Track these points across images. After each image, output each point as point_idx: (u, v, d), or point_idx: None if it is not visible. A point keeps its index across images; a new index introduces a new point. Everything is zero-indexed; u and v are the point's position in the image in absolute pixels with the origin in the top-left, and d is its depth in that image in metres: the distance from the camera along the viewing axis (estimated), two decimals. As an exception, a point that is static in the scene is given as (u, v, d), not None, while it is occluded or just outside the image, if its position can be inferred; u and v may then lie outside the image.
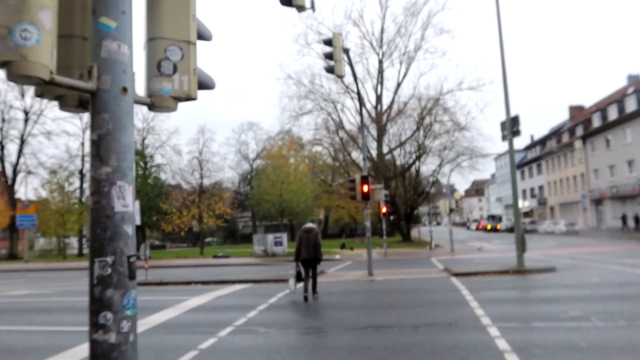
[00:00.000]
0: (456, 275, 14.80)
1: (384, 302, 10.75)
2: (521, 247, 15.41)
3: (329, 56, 13.69)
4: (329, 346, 7.02)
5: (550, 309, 8.87)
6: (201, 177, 47.78)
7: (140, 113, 52.38)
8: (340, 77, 14.23)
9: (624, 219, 39.84)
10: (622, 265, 16.05)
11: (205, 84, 3.00)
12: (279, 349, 7.05)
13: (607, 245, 28.08)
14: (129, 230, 2.53)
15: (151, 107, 2.80)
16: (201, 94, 2.95)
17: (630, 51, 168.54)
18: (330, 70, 13.72)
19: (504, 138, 16.43)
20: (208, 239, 58.29)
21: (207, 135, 52.98)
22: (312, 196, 52.23)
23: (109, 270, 2.45)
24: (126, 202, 2.51)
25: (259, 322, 9.03)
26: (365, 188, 15.92)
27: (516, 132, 15.80)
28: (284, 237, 31.50)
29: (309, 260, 11.65)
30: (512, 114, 16.13)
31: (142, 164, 49.29)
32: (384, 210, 28.78)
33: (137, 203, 19.67)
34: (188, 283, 16.33)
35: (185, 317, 9.94)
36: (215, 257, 31.99)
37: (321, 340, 7.43)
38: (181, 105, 2.90)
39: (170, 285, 16.22)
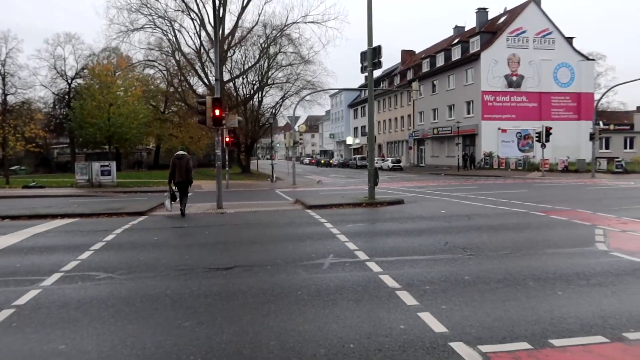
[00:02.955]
0: (311, 207, 14.37)
1: (245, 238, 9.69)
2: (373, 180, 15.54)
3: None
4: (194, 292, 5.75)
5: (419, 242, 8.77)
6: (4, 94, 40.01)
7: None
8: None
9: (465, 157, 44.16)
10: (456, 198, 17.36)
11: None
12: (129, 299, 5.56)
13: (431, 180, 30.80)
14: None
15: None
16: None
17: (459, 4, 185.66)
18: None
19: (363, 70, 16.03)
20: (14, 167, 50.12)
21: (11, 44, 44.20)
22: (143, 122, 47.73)
23: None
24: None
25: (96, 265, 7.31)
26: (217, 112, 14.26)
27: (377, 64, 15.47)
28: (113, 165, 28.11)
29: (182, 183, 13.68)
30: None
31: None
32: (227, 139, 27.16)
33: None
34: (-8, 218, 13.20)
35: (-10, 262, 7.65)
36: (26, 187, 27.32)
37: (182, 285, 6.11)
38: None
39: (-35, 221, 12.93)
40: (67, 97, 56.43)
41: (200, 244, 9.26)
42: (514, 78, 44.76)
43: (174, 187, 13.70)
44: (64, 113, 55.02)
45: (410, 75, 59.62)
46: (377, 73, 25.22)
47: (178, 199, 13.72)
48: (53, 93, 57.45)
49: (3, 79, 41.11)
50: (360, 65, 16.28)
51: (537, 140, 34.08)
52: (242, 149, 45.97)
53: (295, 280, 6.20)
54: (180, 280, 6.32)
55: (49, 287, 6.12)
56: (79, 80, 55.93)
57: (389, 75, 69.00)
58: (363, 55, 15.93)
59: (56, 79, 56.56)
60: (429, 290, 5.67)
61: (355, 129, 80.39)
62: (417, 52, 67.33)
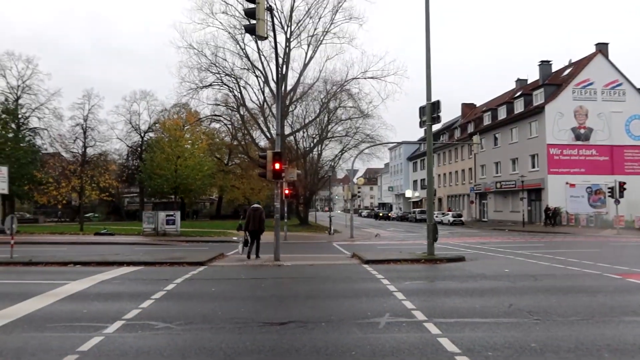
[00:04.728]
0: (368, 262, 14.16)
1: (301, 292, 9.65)
2: (432, 236, 15.18)
3: (250, 14, 12.12)
4: (247, 348, 5.73)
5: (481, 303, 8.36)
6: (85, 146, 43.11)
7: (15, 69, 46.10)
8: (262, 38, 12.75)
9: (547, 212, 41.06)
10: (521, 256, 16.56)
11: None
12: (184, 351, 5.62)
13: (494, 236, 29.66)
14: None
15: None
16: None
17: (519, 57, 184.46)
18: (250, 30, 12.18)
19: (422, 124, 16.06)
20: (89, 214, 53.25)
21: (93, 100, 47.77)
22: (208, 173, 49.71)
23: None
24: None
25: (155, 314, 7.47)
26: (277, 166, 14.64)
27: (436, 119, 15.47)
28: (177, 215, 29.24)
29: (255, 232, 15.67)
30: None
31: (13, 125, 43.27)
32: (286, 192, 27.65)
33: (5, 169, 16.63)
34: (64, 264, 13.96)
35: (60, 307, 8.03)
36: (97, 234, 28.85)
37: (236, 339, 6.11)
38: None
39: (41, 266, 13.75)
40: (139, 149, 60.07)
41: (256, 296, 9.30)
42: (582, 131, 43.14)
43: (247, 235, 15.89)
44: (136, 164, 58.46)
45: (471, 128, 58.94)
46: (436, 126, 25.11)
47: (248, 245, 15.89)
48: (127, 145, 61.42)
49: (85, 133, 44.45)
50: (419, 119, 16.33)
51: (609, 196, 32.26)
52: (301, 201, 46.56)
53: (349, 340, 6.05)
54: (235, 334, 6.33)
55: (111, 334, 6.31)
56: (151, 134, 59.59)
57: (448, 128, 68.58)
58: (422, 110, 16.00)
59: (131, 132, 60.61)
60: (491, 357, 5.35)
61: (415, 182, 79.64)
62: (477, 105, 66.79)
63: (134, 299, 8.55)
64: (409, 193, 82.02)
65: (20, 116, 45.82)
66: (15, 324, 6.78)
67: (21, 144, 42.67)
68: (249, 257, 15.57)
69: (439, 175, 66.22)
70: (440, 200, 66.06)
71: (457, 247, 20.35)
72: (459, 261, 14.79)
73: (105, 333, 6.34)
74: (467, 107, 68.01)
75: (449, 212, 53.75)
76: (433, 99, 15.63)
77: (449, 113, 69.38)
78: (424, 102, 15.99)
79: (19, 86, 46.21)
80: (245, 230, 16.09)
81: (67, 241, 24.50)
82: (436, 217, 54.98)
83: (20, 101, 46.44)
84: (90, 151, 45.39)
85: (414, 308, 7.78)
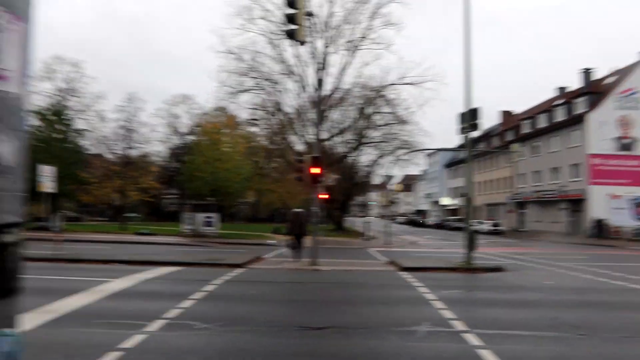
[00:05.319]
0: (405, 269, 14.02)
1: (338, 298, 9.65)
2: (470, 244, 14.90)
3: (290, 19, 12.25)
4: (286, 351, 5.77)
5: (522, 315, 8.15)
6: (127, 148, 44.41)
7: (63, 72, 47.92)
8: (302, 43, 12.85)
9: (599, 224, 39.20)
10: (563, 268, 16.04)
11: None
12: (223, 352, 5.71)
13: (533, 247, 28.84)
14: (4, 150, 1.15)
15: None
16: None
17: (558, 65, 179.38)
18: (290, 34, 12.29)
19: (461, 131, 15.81)
20: (130, 214, 54.72)
21: (136, 103, 49.17)
22: (245, 177, 50.34)
23: None
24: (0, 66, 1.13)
25: (195, 314, 7.60)
26: (315, 170, 14.69)
27: (475, 126, 15.21)
28: (216, 217, 29.70)
29: (298, 234, 16.30)
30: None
31: (60, 127, 45.00)
32: (323, 196, 27.73)
33: (54, 169, 17.32)
34: (108, 262, 14.40)
35: (104, 304, 8.29)
36: (138, 233, 29.62)
37: (275, 342, 6.16)
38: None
39: (86, 263, 14.21)
40: (179, 151, 61.43)
41: (293, 300, 9.35)
42: (626, 141, 41.50)
43: (291, 238, 16.57)
44: (176, 166, 59.78)
45: (509, 136, 57.63)
46: (475, 134, 24.67)
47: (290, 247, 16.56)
48: (168, 148, 62.87)
49: (127, 135, 45.76)
50: (457, 126, 16.08)
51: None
52: (337, 206, 46.53)
53: (387, 347, 6.00)
54: (273, 337, 6.38)
55: (153, 332, 6.46)
56: (191, 137, 60.82)
57: (487, 136, 67.23)
58: (461, 116, 15.75)
59: (171, 135, 62.06)
60: (534, 371, 5.21)
61: (451, 189, 78.38)
62: (516, 113, 65.23)
63: (175, 299, 8.73)
64: (445, 200, 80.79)
65: (66, 118, 47.60)
66: (62, 319, 7.04)
67: (67, 145, 44.37)
68: (298, 259, 16.08)
69: (477, 183, 64.95)
70: (477, 208, 64.75)
71: (495, 257, 19.90)
72: (498, 271, 14.46)
73: (148, 331, 6.50)
74: (506, 115, 66.49)
75: (487, 221, 52.60)
76: (473, 106, 15.38)
77: (487, 120, 68.01)
78: (462, 109, 15.76)
79: (66, 89, 48.02)
80: (289, 234, 16.80)
81: (109, 240, 25.27)
82: (473, 225, 54.02)
83: (66, 103, 48.24)
84: (132, 153, 46.75)
85: (453, 317, 7.66)
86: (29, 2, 1.23)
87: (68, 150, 43.25)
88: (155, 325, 6.80)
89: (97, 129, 49.66)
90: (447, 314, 7.95)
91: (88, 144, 49.56)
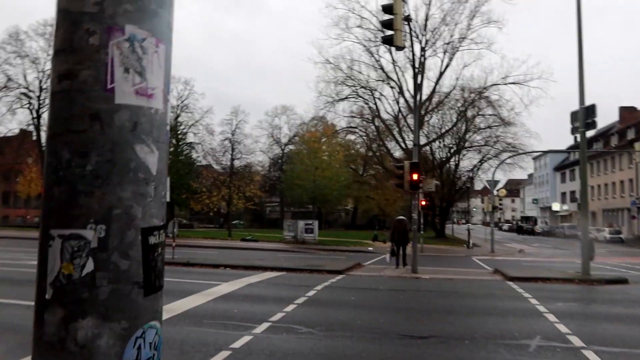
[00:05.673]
0: (513, 279, 13.24)
1: (441, 307, 9.36)
2: (588, 253, 13.72)
3: (387, 25, 12.20)
4: (388, 359, 5.69)
5: (652, 332, 7.32)
6: (232, 159, 46.92)
7: (176, 90, 51.96)
8: (400, 48, 12.73)
9: None
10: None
11: None
12: (327, 357, 5.77)
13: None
14: (151, 161, 1.25)
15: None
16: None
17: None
18: (388, 41, 12.23)
19: (574, 131, 14.66)
20: (235, 221, 57.66)
21: (240, 116, 51.89)
22: (344, 184, 50.89)
23: (91, 265, 1.17)
24: (147, 85, 1.23)
25: (298, 319, 7.77)
26: (415, 176, 14.43)
27: (591, 124, 14.02)
28: (315, 224, 30.31)
29: (399, 241, 16.34)
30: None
31: (174, 140, 48.75)
32: (422, 203, 27.12)
33: (167, 179, 18.78)
34: (216, 266, 15.25)
35: (214, 305, 8.77)
36: (243, 240, 31.07)
37: (376, 349, 6.09)
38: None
39: (197, 267, 15.18)
40: (280, 161, 63.70)
41: (395, 308, 9.22)
42: None
43: (393, 245, 16.71)
44: (277, 175, 62.01)
45: (631, 134, 52.40)
46: (589, 133, 22.67)
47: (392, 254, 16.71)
48: (269, 157, 65.51)
49: (232, 146, 48.43)
50: (570, 125, 14.93)
51: None
52: (437, 213, 45.33)
53: (497, 361, 5.69)
54: (376, 344, 6.33)
55: (259, 334, 6.70)
56: (291, 146, 62.83)
57: (604, 135, 61.73)
58: (573, 115, 14.60)
59: (272, 145, 64.61)
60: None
61: (563, 194, 72.90)
62: (638, 109, 59.15)
63: (278, 303, 9.00)
64: (556, 206, 75.28)
65: (179, 132, 51.47)
66: (178, 318, 7.55)
67: (180, 157, 47.92)
68: (397, 266, 16.19)
69: (593, 186, 59.77)
70: (594, 214, 59.55)
71: (616, 268, 18.14)
72: (620, 283, 13.14)
73: (254, 333, 6.75)
74: (626, 111, 60.50)
75: (606, 228, 48.17)
76: (587, 103, 14.21)
77: (604, 118, 62.16)
78: (574, 107, 14.61)
79: (178, 105, 51.93)
80: (391, 241, 16.99)
81: (217, 245, 26.81)
82: (590, 233, 49.73)
83: (179, 119, 52.14)
84: (237, 163, 49.27)
85: (568, 332, 7.08)
86: (170, 27, 1.36)
87: (181, 162, 46.72)
88: (261, 328, 7.05)
89: (205, 142, 53.33)
90: (562, 328, 7.37)
91: (198, 156, 53.33)
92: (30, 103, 46.83)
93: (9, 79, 45.35)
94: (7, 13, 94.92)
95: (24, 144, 48.90)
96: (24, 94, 46.46)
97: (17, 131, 49.29)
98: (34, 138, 48.92)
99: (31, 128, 48.80)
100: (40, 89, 45.84)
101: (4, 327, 6.73)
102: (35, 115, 46.67)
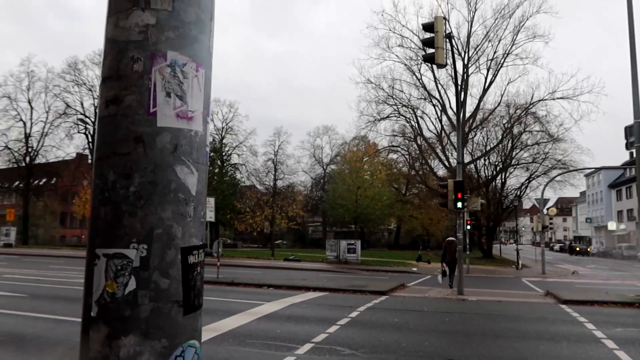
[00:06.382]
0: (566, 302, 12.64)
1: (488, 330, 9.02)
2: (648, 275, 12.94)
3: (428, 43, 12.15)
4: (434, 384, 5.51)
5: None
6: (275, 179, 47.52)
7: (220, 113, 53.37)
8: (442, 66, 12.63)
9: None
10: None
11: None
12: (371, 380, 5.64)
13: None
14: (190, 182, 1.28)
15: None
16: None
17: None
18: (429, 59, 12.18)
19: (629, 146, 14.02)
20: (278, 241, 58.07)
21: (282, 137, 52.73)
22: (386, 203, 50.44)
23: (133, 284, 1.19)
24: (187, 108, 1.27)
25: (341, 340, 7.67)
26: (459, 195, 14.14)
27: (647, 139, 13.36)
28: (358, 244, 30.08)
29: (451, 262, 16.47)
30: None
31: (219, 162, 49.87)
32: (467, 222, 26.49)
33: (212, 200, 19.19)
34: (260, 286, 15.34)
35: (257, 325, 8.79)
36: (286, 259, 31.18)
37: (423, 373, 5.92)
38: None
39: (241, 287, 15.31)
40: (322, 181, 63.93)
41: (440, 330, 8.97)
42: None
43: (444, 265, 16.89)
44: (319, 195, 62.20)
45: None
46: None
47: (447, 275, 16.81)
48: (311, 177, 65.89)
49: (275, 167, 49.09)
50: (624, 140, 14.30)
51: None
52: (483, 232, 44.12)
53: (550, 388, 5.41)
54: (421, 368, 6.16)
55: (302, 355, 6.66)
56: (333, 166, 63.02)
57: (662, 150, 58.68)
58: (628, 129, 13.98)
59: (314, 165, 65.00)
60: None
61: (619, 212, 69.46)
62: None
63: (321, 323, 8.94)
64: (612, 225, 71.73)
65: (223, 154, 52.68)
66: (222, 337, 7.61)
67: (224, 178, 48.94)
68: (450, 286, 16.24)
69: (651, 205, 56.77)
70: (653, 234, 56.39)
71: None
72: (685, 308, 12.31)
73: (297, 354, 6.71)
74: (687, 125, 57.43)
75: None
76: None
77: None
78: (629, 121, 14.00)
79: (223, 127, 53.28)
80: (442, 262, 17.23)
81: (260, 265, 27.01)
82: (649, 254, 46.99)
83: (224, 141, 53.42)
84: (279, 183, 49.87)
85: (629, 360, 6.67)
86: (210, 52, 1.42)
87: (225, 183, 47.68)
88: (304, 349, 7.01)
89: (249, 163, 54.35)
90: (623, 355, 6.95)
91: (242, 177, 54.33)
92: (86, 128, 49.33)
93: (68, 106, 48.03)
94: (71, 43, 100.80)
95: (80, 167, 51.35)
96: (81, 119, 49.02)
97: (74, 155, 51.87)
98: (89, 161, 51.30)
99: (87, 152, 51.30)
100: (95, 115, 48.16)
101: (58, 342, 6.99)
102: (90, 139, 49.03)
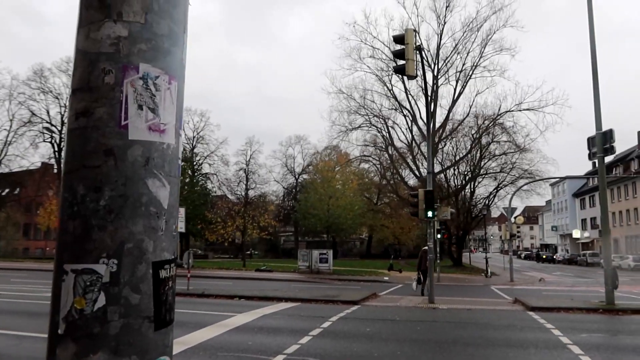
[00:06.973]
0: (534, 309, 12.90)
1: (459, 338, 9.12)
2: (612, 282, 13.35)
3: (399, 55, 12.34)
4: (407, 393, 5.54)
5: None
6: (247, 189, 47.21)
7: (192, 122, 52.82)
8: (412, 77, 12.85)
9: None
10: None
11: None
12: (343, 391, 5.63)
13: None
14: (162, 195, 1.27)
15: None
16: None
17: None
18: (400, 70, 12.37)
19: (591, 156, 14.50)
20: (249, 252, 57.55)
21: (254, 147, 52.54)
22: (358, 213, 50.66)
23: (102, 299, 1.18)
24: (160, 121, 1.26)
25: (313, 351, 7.64)
26: (429, 204, 14.31)
27: (609, 149, 13.84)
28: (330, 254, 30.07)
29: (425, 271, 16.59)
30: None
31: (189, 171, 49.25)
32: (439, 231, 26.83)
33: (183, 210, 18.89)
34: (231, 297, 15.15)
35: (228, 337, 8.67)
36: (258, 270, 30.92)
37: (395, 383, 5.94)
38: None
39: (212, 298, 15.10)
40: (294, 190, 63.80)
41: (411, 339, 9.02)
42: None
43: (420, 273, 17.66)
44: (291, 205, 62.02)
45: (651, 159, 51.63)
46: (609, 158, 22.43)
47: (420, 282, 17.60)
48: (283, 187, 65.69)
49: (247, 177, 48.78)
50: (587, 151, 14.78)
51: None
52: (453, 241, 44.77)
53: (519, 395, 5.51)
54: (393, 378, 6.18)
55: (274, 368, 6.60)
56: (305, 176, 63.01)
57: (623, 159, 60.93)
58: (591, 140, 14.46)
59: (286, 174, 64.84)
60: None
61: (583, 220, 71.57)
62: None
63: (293, 334, 8.88)
64: (576, 233, 73.82)
65: (194, 163, 52.06)
66: (193, 351, 7.47)
67: (195, 188, 48.32)
68: (422, 293, 16.97)
69: (614, 213, 58.62)
70: (616, 241, 58.24)
71: (642, 297, 17.61)
72: (647, 313, 12.72)
73: (269, 366, 6.65)
74: (645, 136, 59.81)
75: (629, 256, 47.03)
76: (604, 128, 14.08)
77: (623, 142, 61.47)
78: (591, 132, 14.49)
79: (194, 137, 52.71)
80: (418, 270, 18.04)
81: (232, 276, 26.68)
82: (613, 260, 48.42)
83: (195, 150, 52.84)
84: (251, 193, 49.57)
85: (594, 365, 6.84)
86: (182, 64, 1.41)
87: (196, 193, 47.06)
88: (276, 361, 6.94)
89: (220, 172, 53.84)
90: (587, 360, 7.13)
91: (213, 187, 53.75)
92: (52, 137, 48.09)
93: (33, 114, 46.71)
94: (37, 49, 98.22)
95: (46, 176, 49.93)
96: (47, 128, 47.74)
97: (39, 164, 50.41)
98: (55, 171, 49.92)
99: (52, 161, 49.96)
100: (62, 124, 47.01)
101: (20, 360, 6.74)
102: (56, 148, 47.81)
